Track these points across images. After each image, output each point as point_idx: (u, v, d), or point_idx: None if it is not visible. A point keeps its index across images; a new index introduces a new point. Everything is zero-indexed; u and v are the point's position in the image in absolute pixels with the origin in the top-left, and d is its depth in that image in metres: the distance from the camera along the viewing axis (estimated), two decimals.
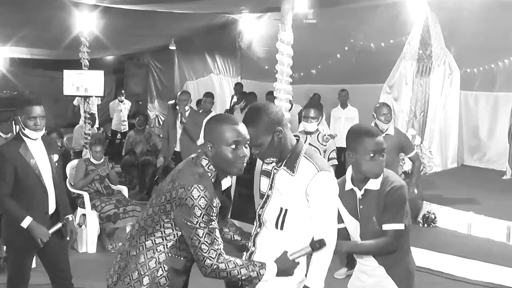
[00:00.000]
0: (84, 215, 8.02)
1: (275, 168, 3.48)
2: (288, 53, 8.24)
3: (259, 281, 3.19)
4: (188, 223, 3.05)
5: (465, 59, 12.01)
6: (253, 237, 3.59)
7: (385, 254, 3.68)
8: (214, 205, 3.06)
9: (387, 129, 6.78)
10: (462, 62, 11.99)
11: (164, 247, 3.17)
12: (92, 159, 8.41)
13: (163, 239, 3.17)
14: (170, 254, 3.18)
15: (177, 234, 3.16)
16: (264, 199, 3.53)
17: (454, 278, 7.19)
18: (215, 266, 3.07)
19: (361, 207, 3.70)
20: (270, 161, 3.49)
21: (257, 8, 12.83)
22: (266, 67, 14.74)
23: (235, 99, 14.10)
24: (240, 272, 3.11)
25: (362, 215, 3.71)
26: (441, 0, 11.71)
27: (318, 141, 6.57)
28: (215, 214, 3.08)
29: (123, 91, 16.64)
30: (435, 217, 8.61)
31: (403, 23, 12.48)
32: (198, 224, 3.03)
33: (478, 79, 12.30)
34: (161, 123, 17.86)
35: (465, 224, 8.26)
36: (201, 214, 3.02)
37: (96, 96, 12.55)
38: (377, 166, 3.61)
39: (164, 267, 3.17)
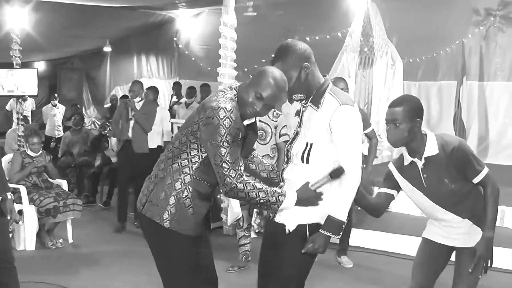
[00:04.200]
0: (20, 211, 7.49)
1: (303, 106, 3.65)
2: (231, 37, 8.00)
3: (278, 207, 3.41)
4: (212, 141, 3.29)
5: (407, 49, 11.93)
6: (281, 172, 3.73)
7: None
8: (238, 127, 3.34)
9: None
10: (404, 52, 11.89)
11: (189, 169, 3.43)
12: (28, 152, 7.89)
13: (189, 161, 3.44)
14: (194, 177, 3.44)
15: (202, 155, 3.42)
16: (293, 136, 3.69)
17: (409, 258, 7.07)
18: (234, 185, 3.28)
19: (425, 175, 3.87)
20: (298, 98, 3.62)
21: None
22: (205, 66, 14.50)
23: (174, 98, 13.79)
24: (258, 195, 3.33)
25: (428, 182, 3.87)
26: None
27: (269, 117, 6.47)
28: (239, 137, 3.36)
29: (56, 95, 15.96)
30: None
31: (344, 15, 12.43)
32: (221, 142, 3.27)
33: (421, 69, 12.27)
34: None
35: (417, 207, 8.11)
36: (225, 133, 3.27)
37: (30, 96, 12.01)
38: (389, 135, 3.83)
39: (189, 189, 3.43)
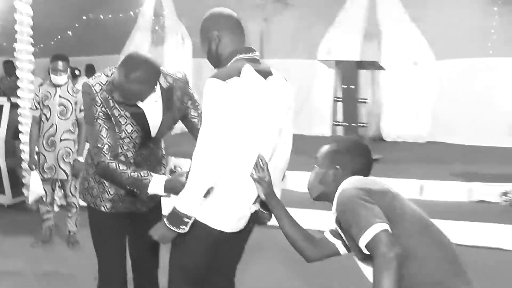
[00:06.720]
0: None
1: None
2: (27, 12, 7.90)
3: (147, 191, 3.13)
4: (84, 117, 3.47)
5: (195, 28, 12.53)
6: None
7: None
8: (98, 104, 3.13)
9: None
10: (194, 32, 12.57)
11: None
12: None
13: None
14: None
15: None
16: None
17: None
18: (96, 162, 3.18)
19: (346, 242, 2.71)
20: None
21: None
22: (3, 42, 14.35)
23: None
24: (121, 175, 3.13)
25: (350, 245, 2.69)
26: None
27: (69, 92, 6.43)
28: (100, 113, 3.14)
29: None
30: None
31: None
32: (87, 119, 3.21)
33: None
34: None
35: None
36: (87, 110, 3.18)
37: None
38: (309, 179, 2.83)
39: (93, 166, 3.35)
